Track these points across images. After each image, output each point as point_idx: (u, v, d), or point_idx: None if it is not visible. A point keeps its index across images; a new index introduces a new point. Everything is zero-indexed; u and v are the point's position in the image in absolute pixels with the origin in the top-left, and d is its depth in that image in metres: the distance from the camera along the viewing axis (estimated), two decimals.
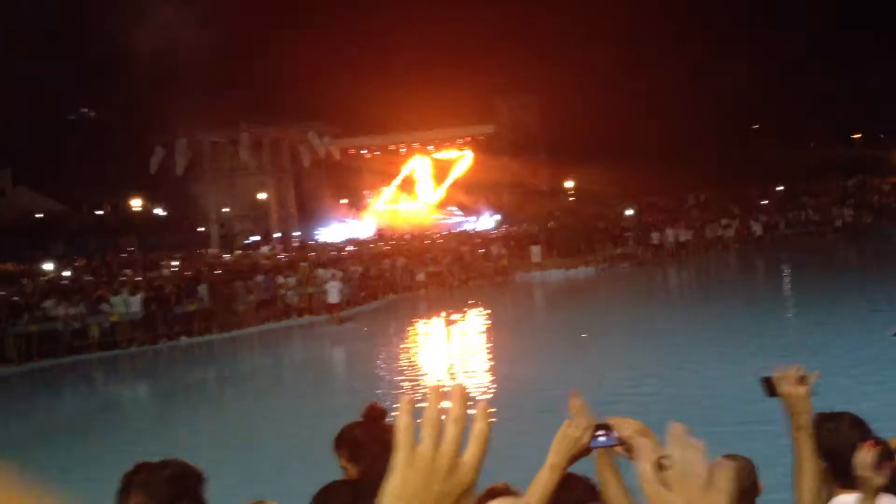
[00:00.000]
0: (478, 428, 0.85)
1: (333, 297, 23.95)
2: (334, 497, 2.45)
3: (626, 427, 2.12)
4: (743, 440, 5.48)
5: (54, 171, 49.55)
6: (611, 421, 2.14)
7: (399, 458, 0.83)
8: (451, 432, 0.83)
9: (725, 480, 0.90)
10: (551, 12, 53.10)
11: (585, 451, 2.17)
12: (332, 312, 23.91)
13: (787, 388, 2.54)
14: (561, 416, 2.23)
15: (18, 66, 40.86)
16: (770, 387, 2.58)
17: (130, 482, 2.39)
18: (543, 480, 2.15)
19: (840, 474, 2.64)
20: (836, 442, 2.66)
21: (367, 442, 2.72)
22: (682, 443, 0.91)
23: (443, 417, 0.84)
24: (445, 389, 0.87)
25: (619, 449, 2.15)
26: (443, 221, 48.55)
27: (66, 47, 43.20)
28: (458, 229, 44.37)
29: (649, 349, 15.58)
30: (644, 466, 0.91)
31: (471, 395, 0.84)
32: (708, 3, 53.82)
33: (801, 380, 2.53)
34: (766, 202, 45.65)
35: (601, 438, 2.14)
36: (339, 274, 25.41)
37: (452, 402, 0.85)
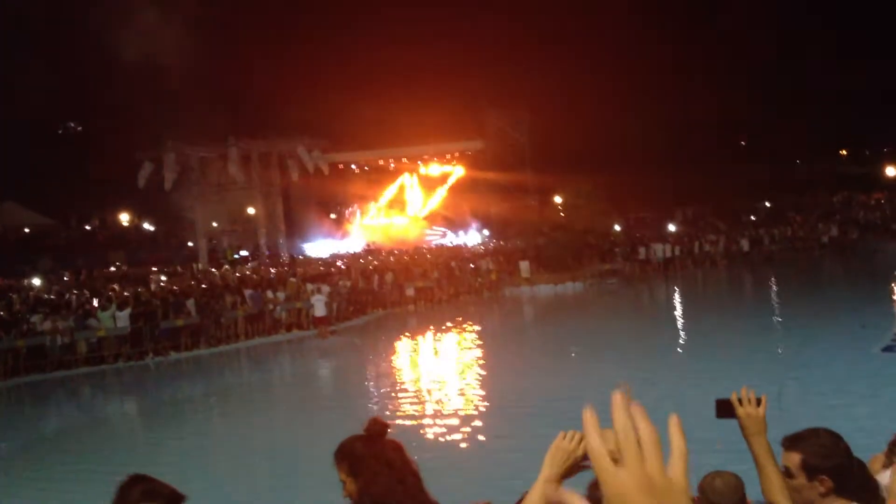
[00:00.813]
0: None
1: (320, 310, 23.97)
2: None
3: (610, 439, 2.15)
4: (735, 455, 5.52)
5: (42, 185, 49.25)
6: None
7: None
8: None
9: (679, 438, 0.87)
10: (539, 29, 53.42)
11: (580, 465, 2.19)
12: (319, 326, 23.92)
13: (746, 409, 2.65)
14: (551, 428, 2.26)
15: (5, 79, 40.74)
16: (722, 409, 2.70)
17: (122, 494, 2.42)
18: (537, 495, 2.16)
19: (843, 486, 2.67)
20: (830, 455, 2.70)
21: (368, 457, 2.75)
22: (625, 409, 0.86)
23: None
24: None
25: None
26: (431, 236, 48.50)
27: (53, 61, 43.09)
28: (447, 244, 44.38)
29: (636, 364, 15.65)
30: (592, 438, 0.86)
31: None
32: (695, 19, 54.22)
33: (759, 401, 2.66)
34: (753, 218, 45.91)
35: None
36: (327, 288, 25.39)
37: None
